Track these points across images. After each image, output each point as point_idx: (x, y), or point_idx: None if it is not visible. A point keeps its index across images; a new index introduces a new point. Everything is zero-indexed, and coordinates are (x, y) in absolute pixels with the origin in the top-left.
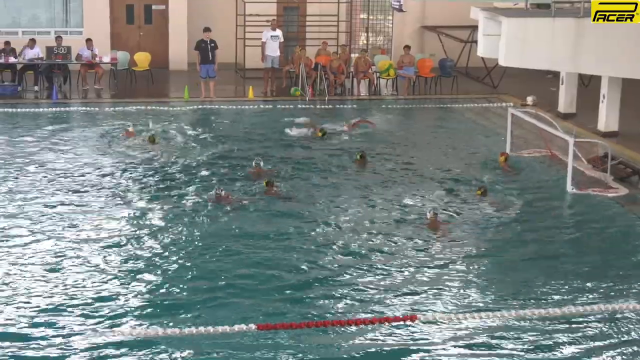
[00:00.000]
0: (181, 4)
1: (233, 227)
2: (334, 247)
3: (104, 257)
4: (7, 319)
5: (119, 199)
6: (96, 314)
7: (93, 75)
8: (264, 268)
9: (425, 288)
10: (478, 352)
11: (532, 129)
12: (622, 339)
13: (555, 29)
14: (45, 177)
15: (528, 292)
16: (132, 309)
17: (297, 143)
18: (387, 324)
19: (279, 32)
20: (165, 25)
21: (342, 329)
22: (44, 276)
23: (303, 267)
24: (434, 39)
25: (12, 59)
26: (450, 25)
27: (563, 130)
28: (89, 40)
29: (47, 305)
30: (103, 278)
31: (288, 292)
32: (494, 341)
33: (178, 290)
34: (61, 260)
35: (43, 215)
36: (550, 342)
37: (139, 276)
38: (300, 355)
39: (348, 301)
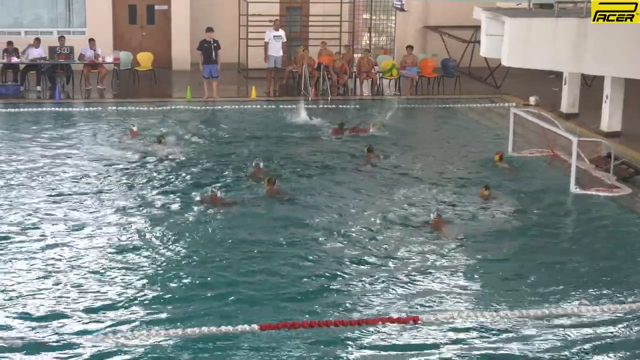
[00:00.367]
0: (184, 4)
1: (233, 228)
2: (336, 247)
3: (105, 257)
4: (7, 321)
5: (121, 198)
6: (97, 315)
7: (96, 75)
8: (265, 268)
9: (428, 289)
10: (480, 352)
11: (535, 129)
12: (626, 339)
13: (558, 29)
14: (47, 177)
15: (531, 292)
16: (134, 309)
17: (298, 143)
18: (389, 324)
19: (281, 32)
20: (168, 25)
21: (345, 329)
22: (44, 276)
23: (305, 267)
24: (437, 39)
25: (14, 59)
26: (453, 25)
27: (566, 130)
28: (91, 40)
29: (48, 305)
30: (103, 279)
31: (290, 292)
32: (496, 342)
33: (180, 291)
34: (63, 260)
35: (44, 216)
36: (553, 342)
37: (140, 277)
38: (303, 355)
39: (350, 301)
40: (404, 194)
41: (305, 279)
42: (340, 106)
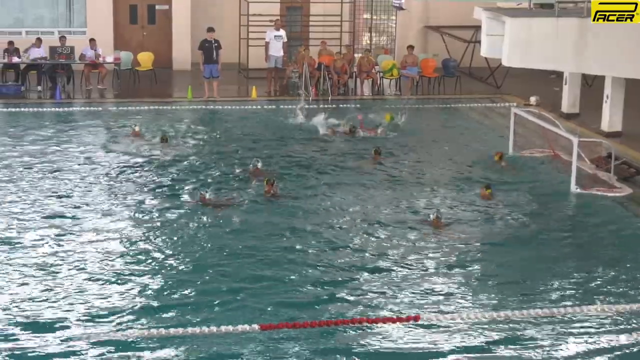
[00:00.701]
0: (184, 4)
1: (232, 228)
2: (336, 247)
3: (106, 257)
4: (8, 320)
5: (122, 199)
6: (98, 315)
7: (96, 75)
8: (264, 268)
9: (429, 288)
10: (481, 352)
11: (535, 129)
12: (626, 339)
13: (559, 29)
14: (48, 177)
15: (531, 291)
16: (133, 310)
17: (299, 143)
18: (390, 324)
19: (282, 32)
20: (169, 25)
21: (346, 328)
22: (45, 277)
23: (305, 267)
24: (438, 39)
25: (15, 59)
26: (454, 25)
27: (566, 130)
28: (92, 40)
29: (49, 305)
30: (104, 278)
31: (291, 292)
32: (497, 341)
33: (180, 291)
34: (64, 261)
35: (45, 216)
36: (554, 342)
37: (140, 276)
38: (304, 355)
39: (351, 301)
40: (404, 194)
41: (304, 279)
42: (341, 106)
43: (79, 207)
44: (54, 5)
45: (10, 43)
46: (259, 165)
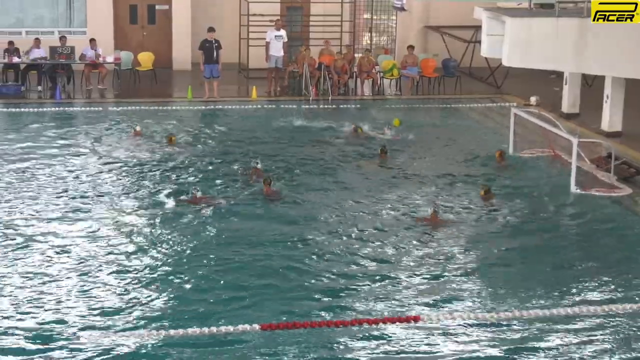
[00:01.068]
0: (185, 4)
1: (230, 229)
2: (334, 247)
3: (105, 258)
4: (9, 320)
5: (121, 199)
6: (98, 315)
7: (96, 75)
8: (264, 269)
9: (429, 288)
10: (481, 352)
11: (535, 129)
12: (625, 339)
13: (559, 29)
14: (48, 177)
15: (531, 292)
16: (133, 310)
17: (299, 143)
18: (390, 324)
19: (283, 32)
20: (169, 25)
21: (346, 329)
22: (46, 277)
23: (304, 267)
24: (438, 39)
25: (15, 59)
26: (454, 25)
27: (566, 130)
28: (92, 40)
29: (49, 305)
30: (105, 279)
31: (291, 291)
32: (497, 341)
33: (180, 291)
34: (64, 261)
35: (45, 216)
36: (553, 342)
37: (139, 277)
38: (303, 355)
39: (351, 301)
40: (404, 194)
41: (304, 279)
42: (341, 106)
43: (78, 207)
44: (54, 5)
45: (11, 43)
46: (259, 165)
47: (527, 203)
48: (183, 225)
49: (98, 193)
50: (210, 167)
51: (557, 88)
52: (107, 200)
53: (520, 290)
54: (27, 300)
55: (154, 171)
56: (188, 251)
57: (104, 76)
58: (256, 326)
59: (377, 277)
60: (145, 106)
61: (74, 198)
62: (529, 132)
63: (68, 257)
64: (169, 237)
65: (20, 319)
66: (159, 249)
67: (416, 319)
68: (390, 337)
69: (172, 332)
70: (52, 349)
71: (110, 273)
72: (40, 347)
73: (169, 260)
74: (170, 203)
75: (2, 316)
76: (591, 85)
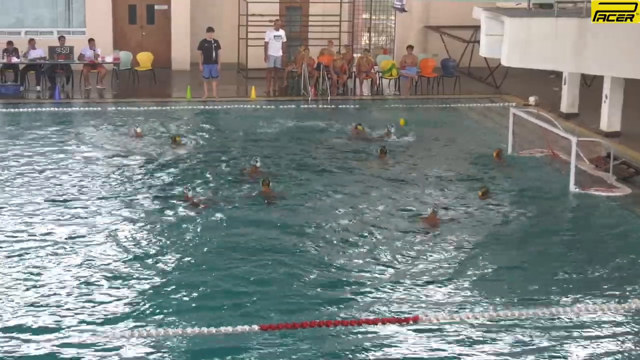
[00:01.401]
0: (183, 4)
1: (231, 228)
2: (335, 247)
3: (105, 258)
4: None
5: (120, 199)
6: (99, 315)
7: (95, 75)
8: (263, 269)
9: (428, 289)
10: (481, 352)
11: (535, 129)
12: (625, 339)
13: (558, 29)
14: (47, 177)
15: (530, 291)
16: (134, 310)
17: (300, 143)
18: (389, 324)
19: (282, 32)
20: (168, 25)
21: (345, 329)
22: (43, 279)
23: (304, 267)
24: (437, 39)
25: (14, 59)
26: (453, 25)
27: (565, 130)
28: (91, 40)
29: (49, 308)
30: (105, 278)
31: (290, 292)
32: (496, 342)
33: (179, 292)
34: (64, 262)
35: (45, 216)
36: (553, 342)
37: (139, 278)
38: (303, 355)
39: (350, 301)
40: (404, 194)
41: (304, 280)
42: (340, 106)
43: (77, 207)
44: (53, 5)
45: (10, 43)
46: (258, 164)
47: (526, 203)
48: (181, 225)
49: (97, 194)
50: (208, 167)
51: (556, 88)
52: (106, 202)
53: (519, 290)
54: (26, 304)
55: (154, 172)
56: (186, 252)
57: (103, 76)
58: (255, 327)
59: (376, 278)
60: (144, 106)
61: (73, 199)
62: (528, 132)
63: (66, 259)
64: (168, 238)
65: (20, 321)
66: (158, 250)
67: (415, 319)
68: (390, 337)
69: (171, 332)
70: (54, 350)
71: (109, 275)
72: (42, 348)
73: (167, 262)
74: (164, 204)
75: (2, 317)
76: (590, 85)
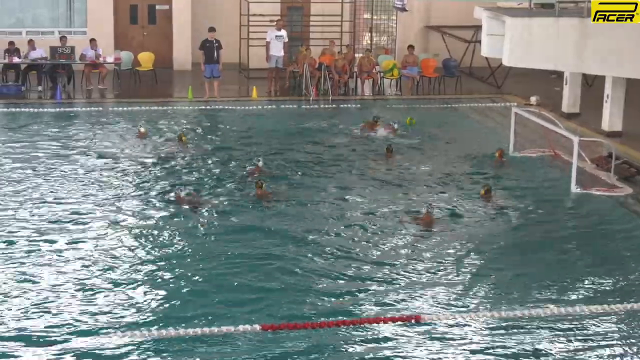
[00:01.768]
0: (185, 3)
1: (230, 229)
2: (335, 247)
3: (105, 260)
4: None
5: (121, 199)
6: (100, 315)
7: (97, 75)
8: (264, 269)
9: (430, 288)
10: (482, 352)
11: (536, 128)
12: (626, 339)
13: (559, 28)
14: (48, 177)
15: (531, 291)
16: (135, 310)
17: (299, 143)
18: (391, 323)
19: (283, 33)
20: (169, 25)
21: (347, 329)
22: (45, 279)
23: (305, 268)
24: (438, 39)
25: (16, 59)
26: (454, 25)
27: (567, 130)
28: (92, 40)
29: (50, 309)
30: (105, 281)
31: (291, 292)
32: (497, 341)
33: (181, 292)
34: (65, 262)
35: (46, 216)
36: (554, 342)
37: (140, 278)
38: (305, 355)
39: (351, 301)
40: (404, 194)
41: (305, 280)
42: (341, 106)
43: (79, 208)
44: (54, 6)
45: (11, 43)
46: (260, 163)
47: (528, 202)
48: (181, 225)
49: (99, 194)
50: (210, 167)
51: (558, 88)
52: (108, 202)
53: (520, 290)
54: (29, 305)
55: (157, 173)
56: (187, 251)
57: (104, 76)
58: (257, 326)
59: (377, 277)
60: (145, 106)
61: (74, 199)
62: (530, 132)
63: (68, 259)
64: (167, 238)
65: (22, 323)
66: (158, 250)
67: (417, 318)
68: (391, 336)
69: (172, 332)
70: (55, 351)
71: (110, 275)
72: (44, 350)
73: (167, 261)
74: (160, 203)
75: (3, 319)
76: (591, 85)
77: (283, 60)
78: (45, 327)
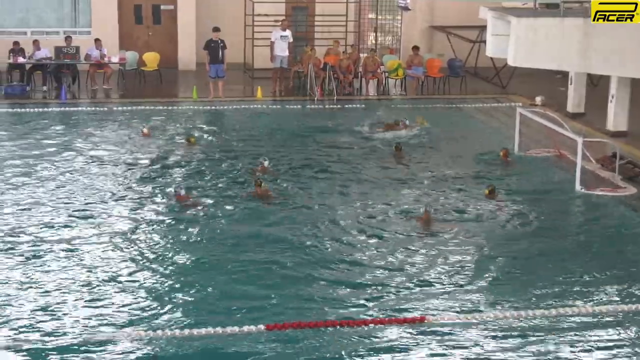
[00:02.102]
0: (190, 3)
1: (230, 229)
2: (339, 247)
3: (110, 260)
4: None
5: (121, 199)
6: (103, 315)
7: (102, 75)
8: (265, 269)
9: (435, 288)
10: (485, 352)
11: (541, 128)
12: (629, 340)
13: (564, 28)
14: (53, 177)
15: (535, 291)
16: (139, 310)
17: (304, 143)
18: (395, 325)
19: (288, 33)
20: (174, 25)
21: (351, 329)
22: (50, 280)
23: (308, 268)
24: (443, 39)
25: (21, 59)
26: (459, 25)
27: (572, 130)
28: (97, 40)
29: (54, 310)
30: (111, 278)
31: (296, 292)
32: (501, 341)
33: (184, 292)
34: (67, 262)
35: (50, 217)
36: (557, 342)
37: (144, 277)
38: (309, 355)
39: (356, 301)
40: (408, 193)
41: (309, 280)
42: (346, 106)
43: (84, 209)
44: (59, 6)
45: (16, 43)
46: (266, 163)
47: (532, 202)
48: (181, 226)
49: (103, 194)
50: (214, 167)
51: (563, 88)
52: (112, 202)
53: (523, 290)
54: (32, 307)
55: (161, 172)
56: (190, 251)
57: (109, 76)
58: (262, 327)
59: (381, 278)
60: (150, 106)
61: (78, 199)
62: (535, 132)
63: (72, 259)
64: (169, 238)
65: (25, 324)
66: (159, 250)
67: (421, 319)
68: (396, 337)
69: (177, 332)
70: (56, 352)
71: (115, 276)
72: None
73: (171, 261)
74: (162, 203)
75: (5, 321)
76: (597, 85)
77: (288, 60)
78: (46, 328)
